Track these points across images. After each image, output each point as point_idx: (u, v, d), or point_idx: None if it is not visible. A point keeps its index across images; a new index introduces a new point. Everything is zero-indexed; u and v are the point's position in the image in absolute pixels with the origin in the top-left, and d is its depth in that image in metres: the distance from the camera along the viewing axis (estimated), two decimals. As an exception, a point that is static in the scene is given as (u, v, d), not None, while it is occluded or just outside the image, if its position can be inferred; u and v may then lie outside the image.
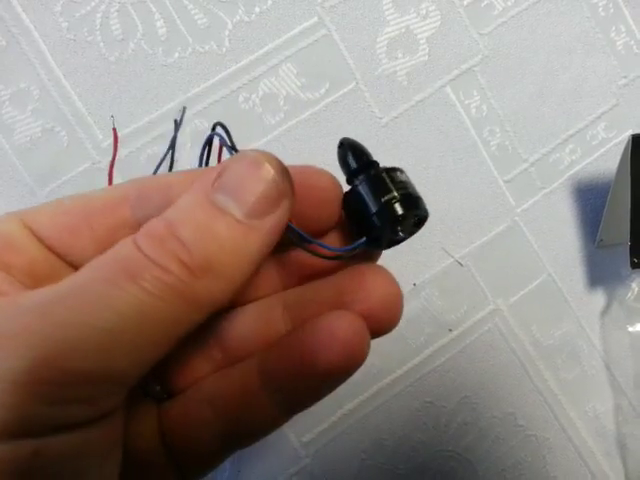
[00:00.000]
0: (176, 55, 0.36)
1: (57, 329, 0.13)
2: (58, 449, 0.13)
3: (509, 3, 0.38)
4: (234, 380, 0.18)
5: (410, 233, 0.20)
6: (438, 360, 0.38)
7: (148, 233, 0.15)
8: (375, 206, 0.18)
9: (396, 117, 0.38)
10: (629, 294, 0.38)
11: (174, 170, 0.35)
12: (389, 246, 0.20)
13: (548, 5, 0.39)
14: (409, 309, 0.38)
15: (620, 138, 0.39)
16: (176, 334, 0.14)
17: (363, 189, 0.18)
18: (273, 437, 0.34)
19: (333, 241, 0.20)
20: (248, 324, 0.19)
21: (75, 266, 0.17)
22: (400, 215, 0.18)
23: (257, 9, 0.37)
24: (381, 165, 0.20)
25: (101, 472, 0.14)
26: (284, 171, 0.16)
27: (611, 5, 0.39)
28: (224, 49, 0.36)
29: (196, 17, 0.36)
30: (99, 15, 0.36)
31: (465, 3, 0.38)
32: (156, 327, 0.14)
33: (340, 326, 0.17)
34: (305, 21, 0.37)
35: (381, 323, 0.19)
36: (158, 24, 0.36)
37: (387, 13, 0.37)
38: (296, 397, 0.18)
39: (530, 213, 0.39)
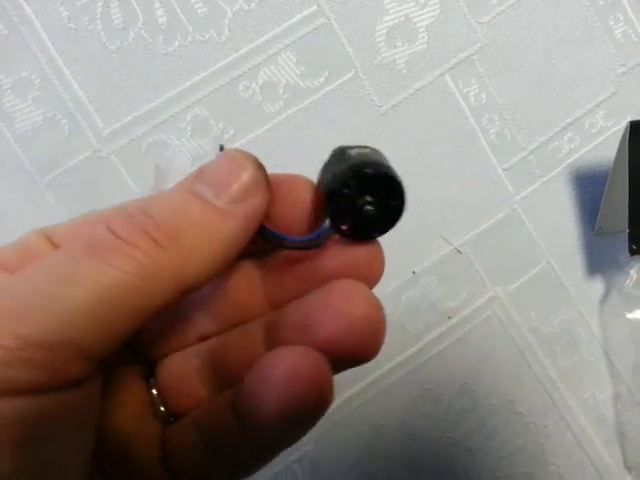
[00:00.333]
0: (176, 44, 0.36)
1: (15, 301, 0.14)
2: (12, 411, 0.13)
3: (508, -8, 0.39)
4: (219, 408, 0.18)
5: (384, 211, 0.16)
6: (437, 348, 0.38)
7: (121, 216, 0.15)
8: (329, 176, 0.17)
9: (395, 105, 0.38)
10: (628, 281, 0.38)
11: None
12: (367, 232, 0.17)
13: (547, -6, 0.39)
14: (408, 297, 0.38)
15: (619, 126, 0.39)
16: (145, 308, 0.14)
17: (323, 169, 0.18)
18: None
19: (337, 244, 0.18)
20: (234, 350, 0.19)
21: None
22: (345, 171, 0.16)
23: (257, -2, 0.37)
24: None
25: (68, 442, 0.15)
26: (261, 167, 0.16)
27: (610, -6, 0.39)
28: (224, 38, 0.37)
29: (196, 6, 0.36)
30: (100, 4, 0.36)
31: (464, -8, 0.38)
32: (122, 300, 0.14)
33: (277, 370, 0.15)
34: (304, 9, 0.37)
35: (352, 349, 0.16)
36: (158, 13, 0.36)
37: (386, 2, 0.37)
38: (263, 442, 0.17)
39: (529, 201, 0.39)
